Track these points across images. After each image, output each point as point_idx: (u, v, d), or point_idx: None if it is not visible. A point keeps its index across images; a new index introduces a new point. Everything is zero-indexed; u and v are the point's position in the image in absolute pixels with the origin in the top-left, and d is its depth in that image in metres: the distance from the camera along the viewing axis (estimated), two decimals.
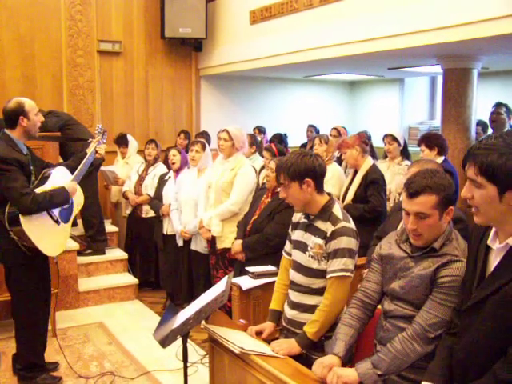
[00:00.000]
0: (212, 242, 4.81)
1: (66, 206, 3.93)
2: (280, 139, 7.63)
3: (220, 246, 4.72)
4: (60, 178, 3.91)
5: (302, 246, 2.82)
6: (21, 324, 3.93)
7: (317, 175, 2.72)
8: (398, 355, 2.22)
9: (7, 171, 3.58)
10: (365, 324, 2.55)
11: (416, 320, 2.24)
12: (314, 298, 2.75)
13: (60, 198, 3.77)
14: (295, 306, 2.84)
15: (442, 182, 2.27)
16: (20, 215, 3.60)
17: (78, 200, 4.11)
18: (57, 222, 3.83)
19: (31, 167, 3.81)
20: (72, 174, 3.99)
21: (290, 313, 2.87)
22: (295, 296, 2.85)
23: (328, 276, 2.67)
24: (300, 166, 2.69)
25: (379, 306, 2.55)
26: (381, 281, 2.51)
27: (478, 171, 1.77)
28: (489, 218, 1.83)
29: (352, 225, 2.73)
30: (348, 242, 2.65)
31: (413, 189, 2.26)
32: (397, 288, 2.37)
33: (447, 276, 2.21)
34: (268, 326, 2.90)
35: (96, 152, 4.18)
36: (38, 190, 3.68)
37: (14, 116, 3.71)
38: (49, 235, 3.78)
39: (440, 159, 4.52)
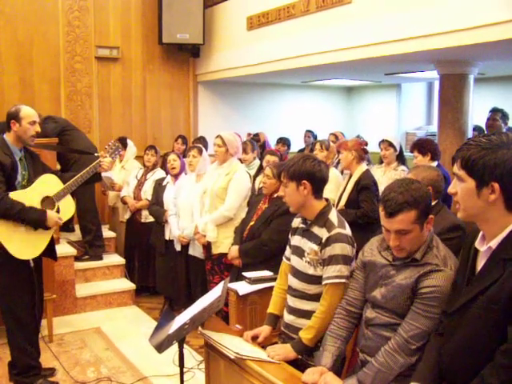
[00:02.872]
0: (207, 247, 4.81)
1: None
2: (285, 143, 7.66)
3: (215, 251, 4.71)
4: (46, 185, 3.90)
5: (299, 252, 2.83)
6: (9, 328, 3.93)
7: (315, 180, 2.73)
8: (382, 368, 2.21)
9: None
10: (352, 332, 2.55)
11: (398, 332, 2.23)
12: (310, 304, 2.75)
13: (33, 217, 3.74)
14: (292, 311, 2.85)
15: (419, 193, 2.20)
16: None
17: (66, 210, 4.05)
18: (34, 227, 3.82)
19: (23, 172, 3.84)
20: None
21: (287, 318, 2.88)
22: (292, 301, 2.85)
23: (323, 283, 2.67)
24: (300, 168, 2.71)
25: None
26: (364, 288, 2.50)
27: (460, 165, 1.82)
28: (469, 213, 1.86)
29: (347, 231, 2.73)
30: (342, 249, 2.64)
31: (391, 208, 2.19)
32: (378, 296, 2.36)
33: (428, 287, 2.18)
34: (264, 330, 2.90)
35: (100, 166, 4.13)
36: (16, 197, 3.68)
37: (8, 119, 3.81)
38: (20, 237, 3.76)
39: (433, 165, 4.52)
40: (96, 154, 4.54)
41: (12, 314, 3.88)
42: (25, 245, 3.80)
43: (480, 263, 1.88)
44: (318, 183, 2.76)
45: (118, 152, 4.32)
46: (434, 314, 2.15)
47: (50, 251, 4.03)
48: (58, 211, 3.97)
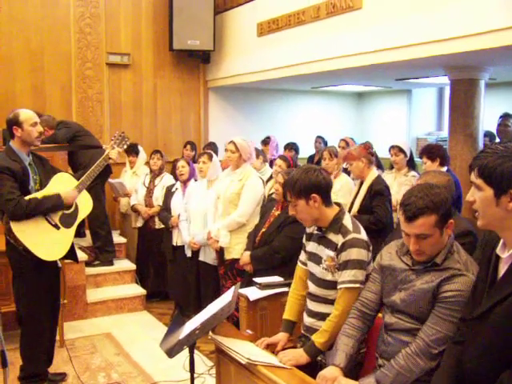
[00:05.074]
0: (220, 252, 4.82)
1: (68, 212, 3.94)
2: (292, 148, 7.65)
3: (228, 256, 4.72)
4: (60, 184, 3.94)
5: (316, 259, 2.83)
6: (25, 332, 3.95)
7: (322, 189, 2.72)
8: (402, 371, 2.21)
9: None
10: (365, 333, 2.55)
11: (419, 335, 2.22)
12: (332, 307, 2.73)
13: (50, 203, 3.77)
14: (313, 314, 2.85)
15: (439, 198, 2.20)
16: (10, 220, 3.69)
17: (85, 206, 4.10)
18: (55, 226, 3.85)
19: (34, 176, 3.87)
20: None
21: (308, 320, 2.88)
22: (313, 305, 2.86)
23: (338, 287, 2.67)
24: (304, 182, 2.69)
25: (380, 315, 2.55)
26: (380, 291, 2.50)
27: (477, 173, 1.81)
28: (488, 221, 1.85)
29: (363, 236, 2.72)
30: (358, 254, 2.64)
31: (410, 212, 2.19)
32: (397, 300, 2.35)
33: (450, 291, 2.18)
34: (282, 338, 2.90)
35: (109, 158, 4.20)
36: (29, 197, 3.71)
37: (9, 126, 3.82)
38: (45, 239, 3.79)
39: (442, 170, 4.51)
40: (104, 147, 4.56)
41: (30, 317, 3.90)
42: (51, 246, 3.83)
43: (502, 270, 1.87)
44: (326, 192, 2.75)
45: (125, 142, 4.37)
46: (457, 319, 2.14)
47: (70, 253, 4.05)
48: (76, 208, 4.01)
